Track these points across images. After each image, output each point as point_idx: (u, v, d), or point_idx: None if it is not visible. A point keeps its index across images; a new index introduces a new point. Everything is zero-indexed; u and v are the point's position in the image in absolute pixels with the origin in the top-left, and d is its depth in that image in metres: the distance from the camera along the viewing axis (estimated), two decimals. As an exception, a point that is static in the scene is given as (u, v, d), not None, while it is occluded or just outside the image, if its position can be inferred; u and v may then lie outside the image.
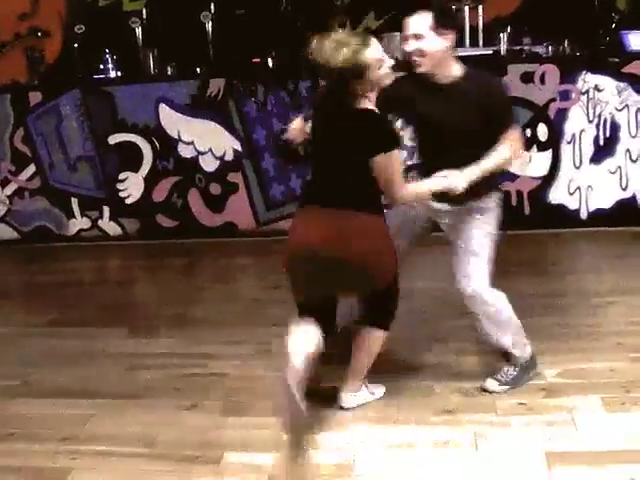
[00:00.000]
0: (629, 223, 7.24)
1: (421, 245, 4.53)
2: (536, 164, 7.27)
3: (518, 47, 7.31)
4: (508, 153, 4.10)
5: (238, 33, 7.98)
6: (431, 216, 4.38)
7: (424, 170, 4.18)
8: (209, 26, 7.90)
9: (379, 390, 4.33)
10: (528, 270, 6.26)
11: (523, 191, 7.31)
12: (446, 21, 4.02)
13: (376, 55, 3.73)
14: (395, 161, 3.80)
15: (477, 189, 4.03)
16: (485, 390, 4.27)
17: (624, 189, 7.32)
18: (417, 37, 3.97)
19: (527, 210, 7.36)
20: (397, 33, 7.49)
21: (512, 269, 6.13)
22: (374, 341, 4.17)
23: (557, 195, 7.34)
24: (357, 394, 4.24)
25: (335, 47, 3.67)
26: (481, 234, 4.19)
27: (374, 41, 3.75)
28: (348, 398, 4.23)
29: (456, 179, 3.90)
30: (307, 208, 3.99)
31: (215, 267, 6.98)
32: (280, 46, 7.80)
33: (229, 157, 7.55)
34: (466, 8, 7.60)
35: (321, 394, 4.22)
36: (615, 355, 4.62)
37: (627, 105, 7.18)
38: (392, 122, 4.32)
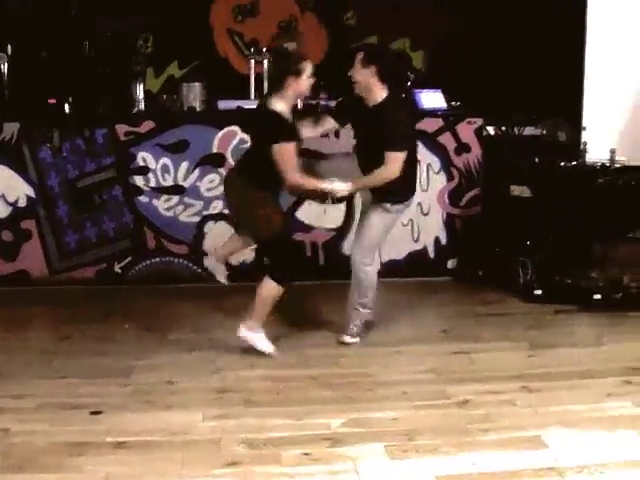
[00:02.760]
0: (420, 274, 7.50)
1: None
2: (331, 216, 7.43)
3: (314, 101, 7.46)
4: (382, 174, 5.38)
5: (36, 76, 7.81)
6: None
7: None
8: (4, 67, 7.68)
9: (269, 348, 5.44)
10: (321, 320, 6.35)
11: (318, 242, 7.45)
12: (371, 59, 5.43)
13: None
14: (284, 152, 5.10)
15: (382, 195, 5.53)
16: (343, 343, 5.74)
17: (416, 241, 7.57)
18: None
19: (322, 261, 7.51)
20: (197, 83, 7.56)
21: (305, 320, 6.23)
22: (268, 290, 5.38)
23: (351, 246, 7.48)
24: (252, 334, 5.42)
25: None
26: (377, 222, 5.62)
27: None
28: (242, 331, 5.44)
29: (338, 186, 5.38)
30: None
31: (4, 316, 6.69)
32: (79, 91, 7.68)
33: (22, 203, 7.32)
34: (265, 61, 7.70)
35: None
36: (399, 404, 4.73)
37: (418, 160, 7.43)
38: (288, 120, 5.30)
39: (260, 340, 5.46)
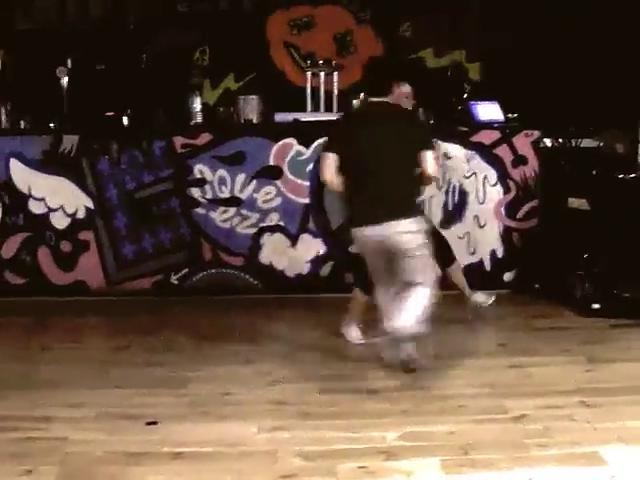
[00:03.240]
0: (477, 287, 7.43)
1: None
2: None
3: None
4: None
5: (95, 89, 7.92)
6: None
7: None
8: (64, 81, 7.79)
9: None
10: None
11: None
12: None
13: None
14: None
15: None
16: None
17: (472, 254, 7.53)
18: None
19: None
20: (253, 96, 7.60)
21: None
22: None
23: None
24: None
25: None
26: None
27: None
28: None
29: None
30: None
31: (63, 327, 6.80)
32: (137, 104, 7.77)
33: (81, 215, 7.44)
34: (321, 74, 7.73)
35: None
36: (456, 417, 4.68)
37: (475, 173, 7.42)
38: None
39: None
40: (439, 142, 6.22)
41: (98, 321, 6.96)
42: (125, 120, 7.58)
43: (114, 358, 5.87)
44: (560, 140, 7.74)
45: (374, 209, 5.18)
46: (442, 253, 6.13)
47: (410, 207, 5.30)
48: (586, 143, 7.77)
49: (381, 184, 5.15)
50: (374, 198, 5.18)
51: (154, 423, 4.66)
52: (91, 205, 7.43)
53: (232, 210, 7.43)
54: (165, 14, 8.66)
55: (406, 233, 5.15)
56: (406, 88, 6.04)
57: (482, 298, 6.46)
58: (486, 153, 7.46)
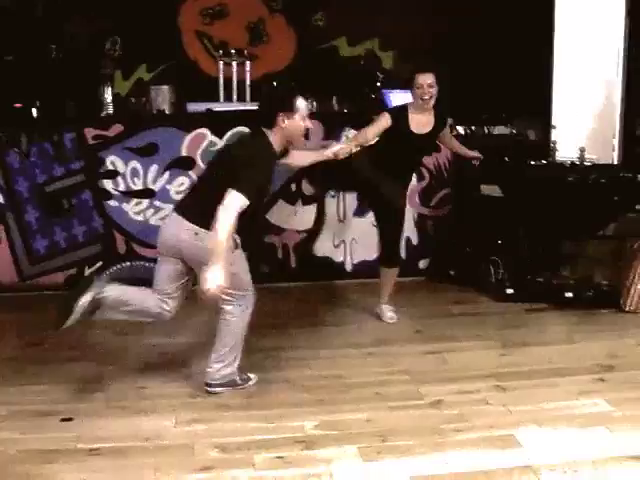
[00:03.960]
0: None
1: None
2: (301, 218, 7.43)
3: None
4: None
5: (3, 79, 7.74)
6: None
7: None
8: (-29, 72, 7.62)
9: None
10: (293, 322, 6.33)
11: (289, 244, 7.45)
12: None
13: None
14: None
15: None
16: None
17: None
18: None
19: (293, 263, 7.50)
20: (166, 86, 7.52)
21: (278, 322, 6.22)
22: None
23: (323, 248, 7.52)
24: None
25: None
26: None
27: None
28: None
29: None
30: None
31: (-27, 323, 6.67)
32: (47, 95, 7.62)
33: (-9, 209, 7.27)
34: (234, 63, 7.68)
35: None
36: (372, 405, 4.73)
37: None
38: None
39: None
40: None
41: (10, 317, 6.80)
42: (34, 111, 7.42)
43: (27, 354, 5.76)
44: (473, 127, 7.82)
45: None
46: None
47: None
48: (498, 130, 7.87)
49: None
50: None
51: (69, 419, 4.60)
52: (1, 199, 7.26)
53: (145, 202, 7.35)
54: (75, 2, 8.48)
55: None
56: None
57: (388, 315, 6.45)
58: (400, 141, 7.48)
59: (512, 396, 4.85)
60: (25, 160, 7.23)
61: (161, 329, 6.13)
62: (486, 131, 7.89)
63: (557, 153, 7.29)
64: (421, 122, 6.08)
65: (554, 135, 7.55)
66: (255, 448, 4.21)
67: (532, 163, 7.11)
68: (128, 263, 7.18)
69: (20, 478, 3.97)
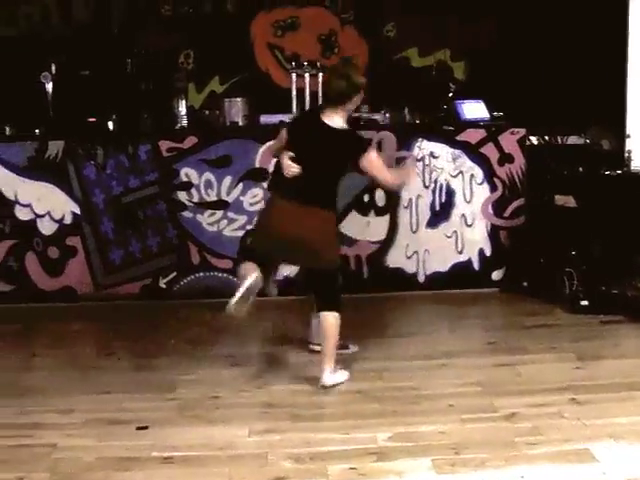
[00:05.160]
0: (465, 286, 7.45)
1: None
2: (374, 229, 7.43)
3: (357, 114, 7.46)
4: None
5: (80, 94, 7.89)
6: None
7: None
8: (49, 86, 7.76)
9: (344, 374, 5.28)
10: (366, 333, 6.32)
11: (362, 255, 7.45)
12: None
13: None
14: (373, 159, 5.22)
15: None
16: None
17: (460, 252, 7.53)
18: None
19: (366, 274, 7.50)
20: (239, 99, 7.59)
21: (351, 333, 6.21)
22: (331, 324, 5.19)
23: (395, 259, 7.50)
24: (337, 375, 5.22)
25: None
26: None
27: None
28: (328, 378, 5.18)
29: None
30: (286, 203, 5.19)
31: (50, 333, 6.78)
32: (122, 108, 7.75)
33: (68, 220, 7.40)
34: (306, 75, 7.72)
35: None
36: (446, 417, 4.70)
37: (461, 172, 7.42)
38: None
39: (342, 376, 5.32)
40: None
41: (86, 327, 6.93)
42: (110, 125, 7.56)
43: (103, 364, 5.85)
44: (546, 137, 7.76)
45: None
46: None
47: None
48: (572, 140, 7.79)
49: None
50: None
51: (144, 428, 4.65)
52: (78, 210, 7.40)
53: (219, 213, 7.42)
54: (149, 18, 8.62)
55: None
56: None
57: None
58: (472, 152, 7.45)
59: (587, 410, 4.77)
60: (101, 172, 7.37)
61: (234, 339, 6.20)
62: (559, 141, 7.81)
63: (632, 163, 7.19)
64: None
65: (629, 144, 7.45)
66: (328, 459, 4.21)
67: (607, 173, 7.02)
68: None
69: (96, 485, 4.05)
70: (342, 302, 5.28)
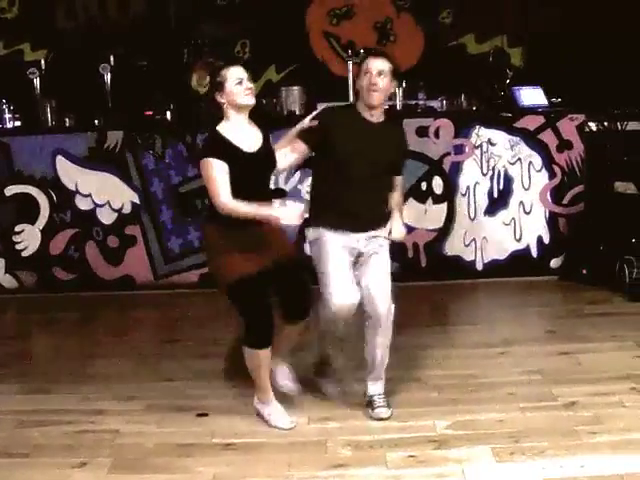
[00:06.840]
0: (523, 274, 7.40)
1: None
2: (432, 216, 7.40)
3: (413, 102, 7.44)
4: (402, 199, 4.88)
5: (138, 85, 7.98)
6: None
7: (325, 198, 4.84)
8: (108, 78, 7.86)
9: (281, 423, 4.53)
10: (424, 321, 6.32)
11: (419, 243, 7.43)
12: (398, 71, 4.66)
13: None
14: (206, 169, 4.40)
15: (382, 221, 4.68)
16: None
17: (518, 240, 7.48)
18: (380, 74, 4.54)
19: (423, 262, 7.48)
20: (296, 87, 7.61)
21: (409, 321, 6.20)
22: (246, 361, 4.52)
23: (453, 247, 7.48)
24: (261, 406, 4.63)
25: None
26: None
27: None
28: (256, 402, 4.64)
29: (290, 214, 4.45)
30: None
31: (111, 321, 6.89)
32: (179, 98, 7.82)
33: (127, 210, 7.50)
34: (364, 63, 7.70)
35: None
36: (505, 405, 4.68)
37: (519, 159, 7.37)
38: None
39: (270, 414, 4.58)
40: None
41: (146, 315, 7.03)
42: (168, 115, 7.63)
43: (163, 351, 5.93)
44: (605, 123, 7.65)
45: None
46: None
47: None
48: (632, 126, 7.67)
49: None
50: None
51: (205, 415, 4.70)
52: (137, 200, 7.48)
53: (277, 202, 7.43)
54: (205, 8, 8.68)
55: None
56: None
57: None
58: (530, 138, 7.38)
59: (649, 399, 4.74)
60: (160, 162, 7.44)
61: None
62: (619, 127, 7.70)
63: (694, 149, 7.09)
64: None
65: (691, 130, 7.33)
66: (387, 447, 4.23)
67: (668, 159, 6.92)
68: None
69: (158, 470, 4.11)
70: (254, 330, 4.42)
